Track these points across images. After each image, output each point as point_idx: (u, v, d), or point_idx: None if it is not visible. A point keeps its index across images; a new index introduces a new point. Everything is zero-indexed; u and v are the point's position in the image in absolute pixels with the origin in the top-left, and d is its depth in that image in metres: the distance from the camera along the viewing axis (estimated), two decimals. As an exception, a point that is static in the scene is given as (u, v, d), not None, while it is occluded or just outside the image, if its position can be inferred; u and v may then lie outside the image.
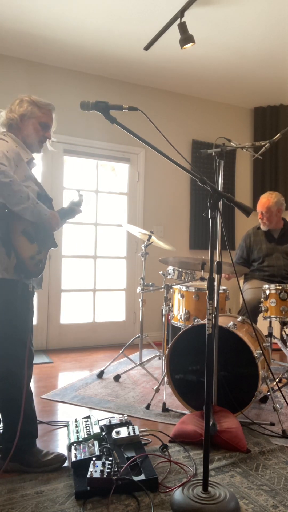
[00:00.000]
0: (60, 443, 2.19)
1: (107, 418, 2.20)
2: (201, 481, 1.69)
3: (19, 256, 1.87)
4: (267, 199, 3.56)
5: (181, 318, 3.00)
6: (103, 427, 2.13)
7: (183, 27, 3.37)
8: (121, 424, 2.13)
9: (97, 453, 1.87)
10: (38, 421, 2.04)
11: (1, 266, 1.86)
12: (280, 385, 3.06)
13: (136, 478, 1.72)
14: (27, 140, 2.07)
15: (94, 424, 2.13)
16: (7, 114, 2.04)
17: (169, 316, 3.19)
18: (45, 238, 1.98)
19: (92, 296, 4.64)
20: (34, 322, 3.33)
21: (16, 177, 1.80)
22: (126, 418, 2.18)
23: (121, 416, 2.20)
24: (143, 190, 4.84)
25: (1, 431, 1.99)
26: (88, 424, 2.12)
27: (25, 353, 1.93)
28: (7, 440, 1.88)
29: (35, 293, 2.05)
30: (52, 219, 1.97)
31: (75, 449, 1.91)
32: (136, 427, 2.07)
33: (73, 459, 1.83)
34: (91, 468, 1.72)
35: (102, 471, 1.70)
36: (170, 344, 2.59)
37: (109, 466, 1.73)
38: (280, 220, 3.63)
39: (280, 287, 2.93)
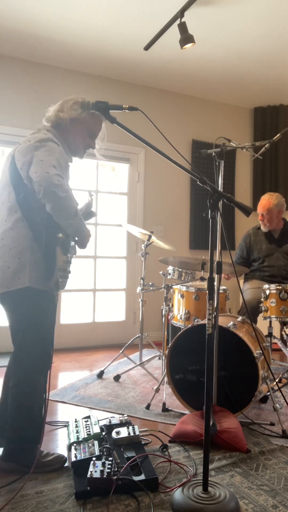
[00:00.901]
0: (60, 443, 2.19)
1: (107, 418, 2.20)
2: (201, 481, 1.69)
3: (56, 269, 1.84)
4: (268, 200, 3.55)
5: (181, 318, 3.00)
6: (103, 427, 2.13)
7: (183, 27, 3.37)
8: (121, 424, 2.13)
9: (97, 453, 1.87)
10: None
11: (32, 277, 1.82)
12: (280, 385, 3.05)
13: (136, 478, 1.72)
14: (72, 145, 2.00)
15: (94, 424, 2.13)
16: (57, 112, 1.95)
17: (169, 316, 3.19)
18: (72, 248, 1.95)
19: (92, 296, 4.63)
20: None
21: (71, 192, 1.74)
22: (126, 418, 2.18)
23: (121, 416, 2.20)
24: (143, 190, 4.84)
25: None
26: (88, 424, 2.12)
27: (49, 362, 1.92)
28: (11, 441, 1.86)
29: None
30: (88, 236, 1.91)
31: (75, 449, 1.91)
32: (136, 427, 2.07)
33: (73, 459, 1.83)
34: (91, 468, 1.71)
35: (102, 471, 1.70)
36: (170, 344, 2.59)
37: (109, 466, 1.73)
38: (280, 221, 3.63)
39: (280, 287, 2.93)
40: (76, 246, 1.97)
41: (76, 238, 1.91)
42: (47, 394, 1.88)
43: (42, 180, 1.68)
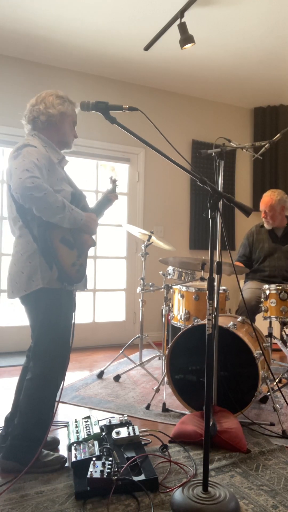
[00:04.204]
0: (60, 443, 2.19)
1: (107, 418, 2.20)
2: (201, 481, 1.69)
3: (60, 266, 1.87)
4: (270, 197, 3.51)
5: (181, 318, 3.00)
6: (103, 427, 2.13)
7: (183, 27, 3.37)
8: (121, 424, 2.13)
9: (97, 453, 1.87)
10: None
11: (44, 278, 1.86)
12: (280, 385, 3.06)
13: (136, 478, 1.72)
14: (63, 138, 2.06)
15: (94, 424, 2.13)
16: (47, 109, 1.99)
17: (169, 316, 3.19)
18: (83, 241, 1.98)
19: (92, 296, 4.63)
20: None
21: (49, 188, 1.77)
22: (126, 418, 2.18)
23: (121, 416, 2.20)
24: (143, 190, 4.84)
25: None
26: (88, 424, 2.12)
27: (66, 360, 1.96)
28: (14, 437, 1.87)
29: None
30: (90, 222, 1.95)
31: (75, 449, 1.91)
32: (136, 427, 2.07)
33: (73, 459, 1.83)
34: (91, 468, 1.72)
35: (102, 471, 1.70)
36: (170, 344, 2.59)
37: (109, 466, 1.73)
38: (284, 218, 3.57)
39: (280, 287, 2.93)
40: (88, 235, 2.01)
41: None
42: (59, 396, 1.91)
43: (17, 188, 1.72)
